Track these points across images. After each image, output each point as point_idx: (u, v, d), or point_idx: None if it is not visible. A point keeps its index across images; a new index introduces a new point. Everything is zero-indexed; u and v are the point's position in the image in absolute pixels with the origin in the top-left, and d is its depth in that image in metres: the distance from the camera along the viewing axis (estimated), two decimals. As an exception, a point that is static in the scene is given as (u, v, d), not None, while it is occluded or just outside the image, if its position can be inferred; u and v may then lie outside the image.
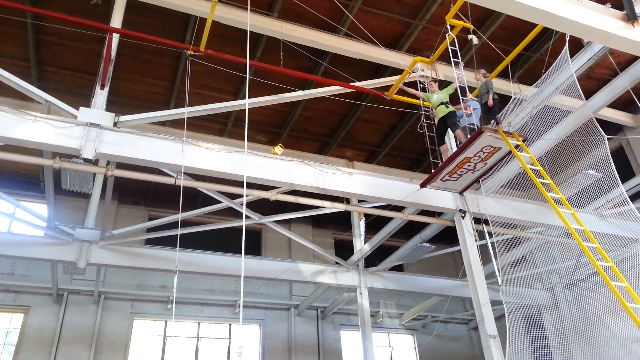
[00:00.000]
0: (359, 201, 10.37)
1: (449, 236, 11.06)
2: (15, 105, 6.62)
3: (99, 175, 9.19)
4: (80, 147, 6.49)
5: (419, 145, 11.87)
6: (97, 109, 6.95)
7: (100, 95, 7.08)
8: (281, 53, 8.30)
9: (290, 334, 13.96)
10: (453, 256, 15.75)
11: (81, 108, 6.82)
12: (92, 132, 6.65)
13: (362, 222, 12.17)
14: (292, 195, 9.05)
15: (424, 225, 10.41)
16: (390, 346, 15.15)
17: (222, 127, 11.71)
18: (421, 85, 8.66)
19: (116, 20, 7.61)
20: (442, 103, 7.83)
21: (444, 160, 7.57)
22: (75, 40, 8.85)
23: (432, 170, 7.68)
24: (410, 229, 10.79)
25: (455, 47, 7.50)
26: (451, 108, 7.82)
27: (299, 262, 11.67)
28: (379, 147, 12.81)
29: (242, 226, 10.52)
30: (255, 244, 15.08)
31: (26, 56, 9.38)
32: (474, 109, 7.68)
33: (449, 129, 7.92)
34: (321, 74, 9.95)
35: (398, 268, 13.66)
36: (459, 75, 7.44)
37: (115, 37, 7.40)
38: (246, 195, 8.94)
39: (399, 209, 9.54)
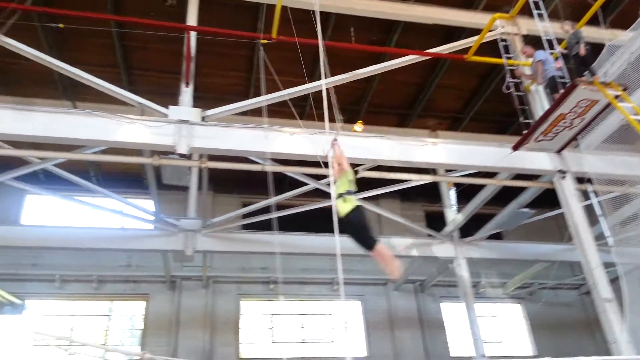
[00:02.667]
0: (447, 171, 10.04)
1: (548, 199, 10.33)
2: (112, 111, 7.16)
3: (194, 168, 9.73)
4: (175, 144, 6.91)
5: (505, 106, 11.17)
6: (185, 106, 7.34)
7: (186, 93, 7.47)
8: (352, 29, 8.18)
9: (390, 308, 14.04)
10: (555, 220, 14.71)
11: (170, 107, 7.24)
12: (184, 129, 7.05)
13: (453, 192, 11.80)
14: (377, 172, 8.99)
15: (520, 189, 9.84)
16: (495, 316, 14.70)
17: (301, 111, 11.85)
18: (503, 44, 8.11)
19: (192, 19, 7.95)
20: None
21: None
22: (157, 42, 9.38)
23: (524, 132, 7.21)
24: (505, 195, 10.27)
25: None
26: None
27: (391, 237, 11.61)
28: (462, 113, 12.27)
29: (331, 206, 10.82)
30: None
31: (115, 63, 10.11)
32: (541, 60, 7.06)
33: None
34: (394, 45, 9.68)
35: (496, 236, 13.08)
36: (544, 27, 6.86)
37: (193, 35, 7.72)
38: (330, 175, 8.99)
39: (491, 175, 9.12)
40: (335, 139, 5.95)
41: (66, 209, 13.71)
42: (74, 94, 10.31)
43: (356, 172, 5.91)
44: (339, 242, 10.68)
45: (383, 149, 7.77)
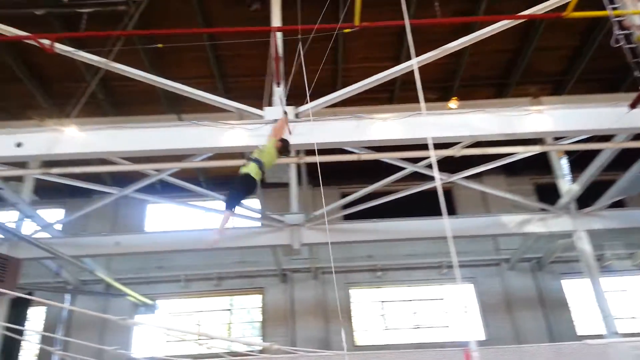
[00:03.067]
0: (556, 139, 9.32)
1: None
2: (213, 119, 7.58)
3: (293, 165, 10.03)
4: (273, 143, 7.15)
5: (615, 61, 10.12)
6: (278, 106, 7.57)
7: (278, 93, 7.69)
8: (436, 4, 7.87)
9: (506, 288, 13.45)
10: (690, 180, 13.13)
11: (265, 108, 7.51)
12: (280, 128, 7.27)
13: (564, 161, 10.93)
14: (478, 148, 8.61)
15: (642, 151, 8.88)
16: (624, 289, 13.48)
17: (390, 95, 11.70)
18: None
19: (276, 20, 8.15)
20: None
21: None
22: (246, 48, 9.72)
23: (642, 86, 6.46)
24: (625, 159, 9.30)
25: None
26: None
27: (500, 215, 11.07)
28: (566, 75, 11.27)
29: (431, 189, 10.59)
30: (447, 203, 14.77)
31: (211, 73, 10.67)
32: None
33: None
34: (483, 13, 9.16)
35: (618, 204, 11.93)
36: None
37: (279, 36, 7.91)
38: (431, 157, 8.79)
39: (606, 138, 8.31)
40: (286, 113, 6.68)
41: (182, 214, 14.86)
42: (178, 107, 11.08)
43: (286, 153, 6.34)
44: (449, 224, 10.48)
45: (483, 124, 7.38)
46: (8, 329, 8.65)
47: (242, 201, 6.21)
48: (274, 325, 13.32)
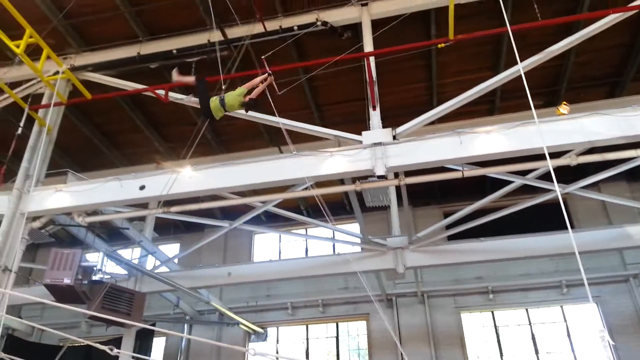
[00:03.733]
0: (688, 136, 8.30)
1: None
2: (313, 148, 7.77)
3: (392, 187, 9.90)
4: (373, 167, 7.14)
5: None
6: (376, 129, 7.56)
7: (375, 116, 7.70)
8: (535, 5, 7.49)
9: (637, 307, 12.07)
10: None
11: (363, 133, 7.54)
12: (378, 151, 7.25)
13: (700, 161, 9.68)
14: (595, 154, 7.91)
15: None
16: None
17: (491, 106, 11.25)
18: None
19: (367, 44, 8.23)
20: None
21: None
22: (338, 75, 9.93)
23: None
24: None
25: None
26: None
27: (624, 225, 10.02)
28: (689, 65, 10.12)
29: (544, 202, 9.88)
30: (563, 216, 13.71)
31: (307, 104, 11.00)
32: None
33: None
34: (587, 9, 8.56)
35: None
36: None
37: (372, 60, 7.97)
38: (544, 167, 8.28)
39: None
40: (270, 74, 7.11)
41: (287, 242, 15.28)
42: (278, 139, 11.52)
43: (250, 109, 7.01)
44: (560, 241, 9.72)
45: (599, 127, 6.78)
46: (136, 358, 9.30)
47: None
48: (381, 352, 13.05)
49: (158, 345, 14.25)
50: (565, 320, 12.59)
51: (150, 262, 12.15)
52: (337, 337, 13.85)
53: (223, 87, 7.18)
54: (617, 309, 12.28)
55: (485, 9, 8.70)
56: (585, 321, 12.41)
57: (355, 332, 13.87)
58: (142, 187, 7.74)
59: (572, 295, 12.61)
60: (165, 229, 14.89)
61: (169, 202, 8.91)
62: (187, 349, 14.09)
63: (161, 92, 8.29)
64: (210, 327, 14.17)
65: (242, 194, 9.52)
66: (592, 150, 7.93)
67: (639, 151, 7.85)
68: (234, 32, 9.07)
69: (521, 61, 6.83)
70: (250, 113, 8.26)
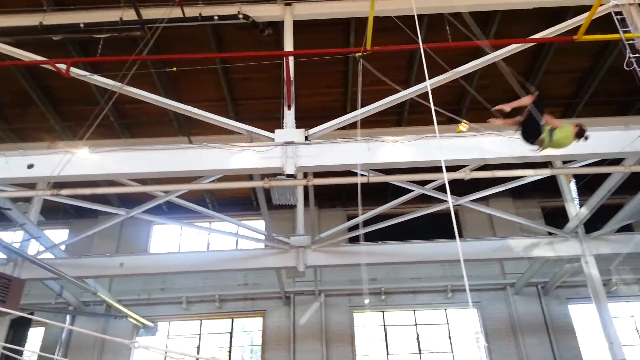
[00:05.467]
0: (565, 162, 9.34)
1: (686, 182, 9.26)
2: (223, 141, 7.59)
3: (300, 187, 10.00)
4: (282, 165, 7.16)
5: (625, 84, 10.22)
6: (289, 128, 7.59)
7: (289, 115, 7.71)
8: (447, 27, 7.97)
9: (512, 313, 13.30)
10: (697, 204, 13.14)
11: (276, 131, 7.52)
12: (289, 150, 7.28)
13: (573, 184, 10.94)
14: (487, 171, 8.62)
15: (652, 174, 8.90)
16: (632, 316, 13.34)
17: (399, 118, 11.76)
18: (618, 17, 7.43)
19: (288, 44, 8.24)
20: None
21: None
22: (257, 71, 9.83)
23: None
24: (634, 182, 9.32)
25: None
26: None
27: (507, 238, 11.02)
28: (576, 97, 11.34)
29: (437, 212, 10.55)
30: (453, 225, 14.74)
31: (222, 96, 10.73)
32: None
33: None
34: (494, 36, 9.29)
35: (626, 228, 11.92)
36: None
37: (291, 60, 7.99)
38: (440, 180, 8.86)
39: (616, 162, 8.33)
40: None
41: (187, 235, 14.82)
42: (188, 129, 11.11)
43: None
44: (450, 248, 10.43)
45: (492, 146, 7.42)
46: (7, 349, 8.48)
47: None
48: (274, 349, 13.12)
49: (35, 335, 13.16)
50: (447, 323, 13.53)
51: (34, 247, 11.15)
52: (231, 333, 13.69)
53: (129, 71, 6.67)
54: (493, 314, 13.43)
55: (403, 25, 9.07)
56: (466, 324, 13.43)
57: (250, 329, 13.81)
58: (30, 166, 7.07)
59: (455, 300, 13.59)
60: (54, 213, 13.76)
61: (59, 184, 8.23)
62: (67, 341, 13.12)
63: (62, 66, 7.63)
64: (95, 320, 13.32)
65: (143, 181, 9.07)
66: (484, 167, 8.64)
67: (525, 171, 8.70)
68: (149, 13, 8.58)
69: (430, 78, 7.26)
70: (159, 98, 7.92)
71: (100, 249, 13.73)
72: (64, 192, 8.25)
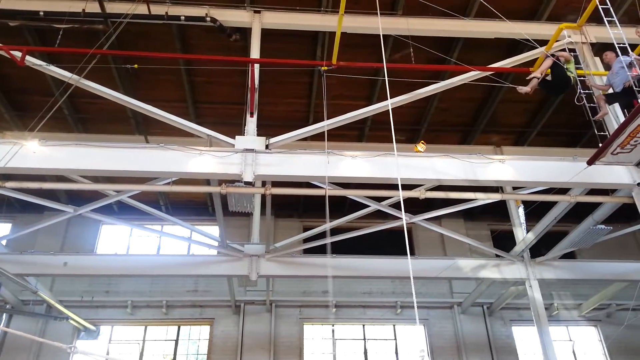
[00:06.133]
0: (515, 188, 9.71)
1: (626, 214, 9.76)
2: (182, 143, 7.46)
3: (258, 195, 9.94)
4: (241, 172, 7.10)
5: (576, 118, 10.74)
6: (250, 135, 7.55)
7: (251, 123, 7.69)
8: (411, 50, 8.18)
9: (457, 332, 13.56)
10: (634, 236, 13.92)
11: (237, 137, 7.47)
12: (249, 157, 7.24)
13: (521, 210, 11.36)
14: (441, 191, 8.83)
15: (595, 205, 9.37)
16: (570, 340, 13.87)
17: (360, 133, 11.92)
18: (572, 54, 7.84)
19: (255, 51, 8.23)
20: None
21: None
22: (221, 76, 9.75)
23: (600, 145, 6.86)
24: (579, 211, 9.77)
25: (607, 4, 6.66)
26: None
27: (457, 258, 11.29)
28: (529, 127, 11.85)
29: (392, 228, 10.71)
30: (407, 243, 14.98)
31: (184, 98, 10.57)
32: (620, 68, 6.79)
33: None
34: (454, 62, 9.60)
35: (569, 255, 12.45)
36: (616, 34, 6.57)
37: (257, 67, 7.98)
38: (396, 197, 8.98)
39: (563, 191, 8.72)
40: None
41: (138, 237, 14.39)
42: (146, 129, 10.86)
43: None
44: (401, 264, 10.56)
45: (447, 168, 7.61)
46: None
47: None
48: (220, 359, 12.85)
49: (-35, 335, 12.38)
50: (395, 338, 13.65)
51: (-29, 241, 10.57)
52: (176, 341, 13.33)
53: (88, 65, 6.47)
54: (440, 331, 13.66)
55: (369, 44, 9.26)
56: (413, 341, 13.60)
57: (197, 337, 13.48)
58: (-28, 155, 6.71)
59: (404, 316, 13.75)
60: (-5, 206, 13.11)
61: (5, 176, 7.85)
62: (1, 341, 12.42)
63: (18, 54, 7.32)
64: (34, 320, 12.67)
65: (95, 179, 8.79)
66: (439, 188, 8.85)
67: (477, 194, 8.98)
68: (113, 7, 8.39)
69: (391, 97, 7.41)
70: (117, 94, 7.72)
71: (44, 247, 13.12)
72: (9, 184, 7.89)
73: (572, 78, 7.26)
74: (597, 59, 8.46)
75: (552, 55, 7.36)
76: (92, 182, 8.58)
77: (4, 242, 10.96)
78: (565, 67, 7.25)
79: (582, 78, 7.60)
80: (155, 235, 14.13)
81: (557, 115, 11.30)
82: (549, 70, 7.36)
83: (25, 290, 11.77)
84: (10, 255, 10.30)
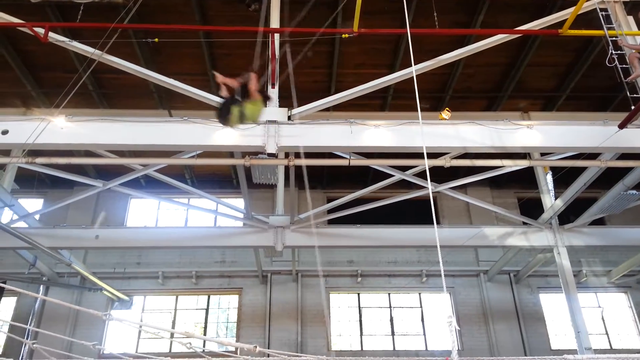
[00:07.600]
0: (542, 154, 9.48)
1: (658, 178, 9.47)
2: (205, 116, 7.49)
3: (281, 167, 9.97)
4: (264, 144, 7.11)
5: (606, 81, 10.34)
6: (272, 107, 7.52)
7: (273, 94, 7.64)
8: (435, 13, 7.93)
9: (483, 299, 13.59)
10: (667, 201, 13.49)
11: (259, 108, 7.42)
12: (272, 129, 7.23)
13: (549, 177, 11.12)
14: (467, 159, 8.69)
15: (626, 170, 9.10)
16: (599, 306, 13.76)
17: (383, 102, 11.75)
18: (603, 14, 7.47)
19: (275, 21, 8.10)
20: None
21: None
22: (241, 47, 9.64)
23: (632, 107, 6.61)
24: (608, 177, 9.54)
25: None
26: None
27: (482, 226, 11.19)
28: (557, 91, 11.45)
29: (417, 197, 10.64)
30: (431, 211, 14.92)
31: (204, 71, 10.53)
32: None
33: None
34: (480, 25, 9.28)
35: (598, 222, 12.21)
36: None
37: (277, 37, 7.87)
38: (421, 166, 8.90)
39: (592, 156, 8.47)
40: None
41: (165, 210, 14.68)
42: (169, 103, 10.91)
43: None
44: (427, 234, 10.54)
45: (474, 136, 7.44)
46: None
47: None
48: (250, 327, 13.21)
49: (7, 305, 13.02)
50: (421, 306, 13.77)
51: (7, 216, 10.95)
52: (207, 310, 13.72)
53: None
54: (466, 299, 13.71)
55: (390, 9, 9.00)
56: (438, 308, 13.69)
57: (226, 305, 13.85)
58: (4, 132, 6.88)
59: (429, 285, 13.82)
60: (28, 182, 13.50)
61: (34, 152, 8.05)
62: (40, 311, 13.00)
63: (41, 30, 7.38)
64: (69, 291, 13.20)
65: (121, 153, 8.94)
66: (464, 156, 8.71)
67: (504, 161, 8.80)
68: (132, -20, 8.35)
69: (415, 64, 7.24)
70: (139, 69, 7.75)
71: (76, 221, 13.53)
72: (39, 160, 8.09)
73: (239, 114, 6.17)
74: (630, 18, 8.05)
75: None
76: (118, 156, 8.72)
77: (37, 216, 11.31)
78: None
79: (614, 38, 7.26)
80: (182, 208, 14.41)
81: (587, 79, 10.87)
82: None
83: (59, 263, 12.23)
84: (43, 230, 10.67)
